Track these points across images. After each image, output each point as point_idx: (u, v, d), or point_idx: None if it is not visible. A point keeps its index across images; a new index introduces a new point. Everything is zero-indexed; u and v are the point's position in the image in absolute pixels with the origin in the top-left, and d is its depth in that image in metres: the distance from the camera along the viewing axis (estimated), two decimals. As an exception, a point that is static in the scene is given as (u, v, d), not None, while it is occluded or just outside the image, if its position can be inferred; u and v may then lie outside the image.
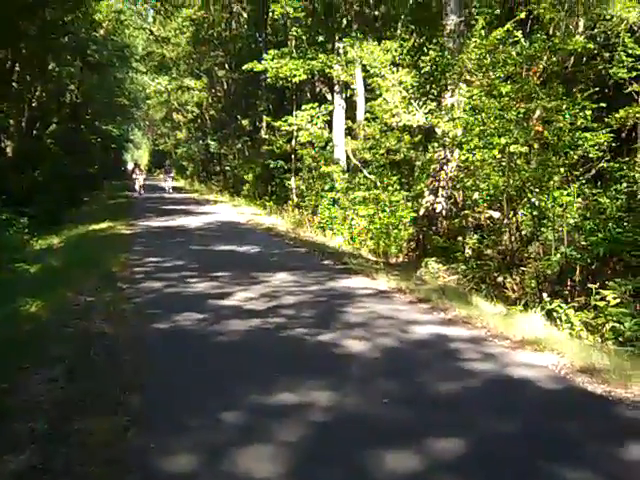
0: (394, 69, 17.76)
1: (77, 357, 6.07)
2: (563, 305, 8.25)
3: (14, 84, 23.70)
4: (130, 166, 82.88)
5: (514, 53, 11.95)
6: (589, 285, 8.79)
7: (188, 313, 7.94)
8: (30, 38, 21.73)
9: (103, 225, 19.15)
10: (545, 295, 9.21)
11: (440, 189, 16.08)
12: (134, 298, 9.01)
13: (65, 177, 25.38)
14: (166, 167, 43.64)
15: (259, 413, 4.76)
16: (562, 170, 11.25)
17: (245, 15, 33.64)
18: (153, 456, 4.10)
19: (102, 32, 29.26)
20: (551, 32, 14.96)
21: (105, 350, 6.31)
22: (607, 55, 14.38)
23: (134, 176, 38.94)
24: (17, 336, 6.78)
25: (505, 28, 12.31)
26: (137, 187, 37.50)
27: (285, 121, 24.49)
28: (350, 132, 23.96)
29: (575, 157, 11.36)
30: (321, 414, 4.74)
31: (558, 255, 10.44)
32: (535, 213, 11.43)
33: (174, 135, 55.24)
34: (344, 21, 23.73)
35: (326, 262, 12.74)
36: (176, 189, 42.16)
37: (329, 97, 25.22)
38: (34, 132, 26.32)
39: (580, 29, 15.30)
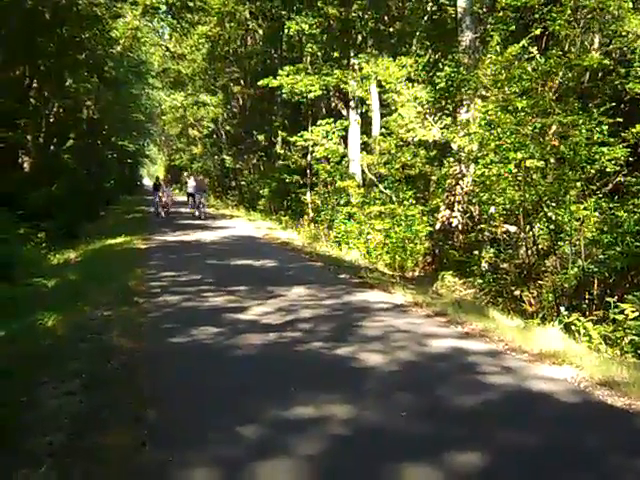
0: (409, 85, 17.81)
1: (94, 371, 6.07)
2: (581, 318, 8.21)
3: (32, 100, 23.91)
4: (147, 181, 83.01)
5: (529, 69, 11.97)
6: (607, 298, 8.76)
7: (205, 327, 7.95)
8: (48, 55, 21.94)
9: (119, 240, 19.23)
10: (563, 308, 9.18)
11: (456, 203, 16.07)
12: (151, 312, 9.04)
13: (82, 192, 25.51)
14: (193, 180, 33.61)
15: (278, 427, 4.75)
16: (579, 184, 11.23)
17: (260, 32, 33.82)
18: (172, 469, 4.10)
19: (119, 49, 29.41)
20: (567, 48, 14.97)
21: (122, 364, 6.32)
22: (623, 71, 14.33)
23: (159, 193, 31.06)
24: (35, 350, 6.80)
25: (520, 44, 12.35)
26: (160, 208, 30.67)
27: (300, 136, 24.55)
28: (365, 147, 24.00)
29: (592, 171, 11.33)
30: (340, 427, 4.73)
31: (575, 269, 10.41)
32: (552, 227, 11.40)
33: (190, 150, 55.44)
34: (359, 37, 23.82)
35: (342, 276, 12.74)
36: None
37: (344, 112, 25.28)
38: (51, 148, 26.49)
39: (596, 45, 15.31)
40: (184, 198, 39.44)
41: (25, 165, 23.44)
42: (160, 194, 31.15)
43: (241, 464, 4.13)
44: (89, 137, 31.58)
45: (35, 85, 23.56)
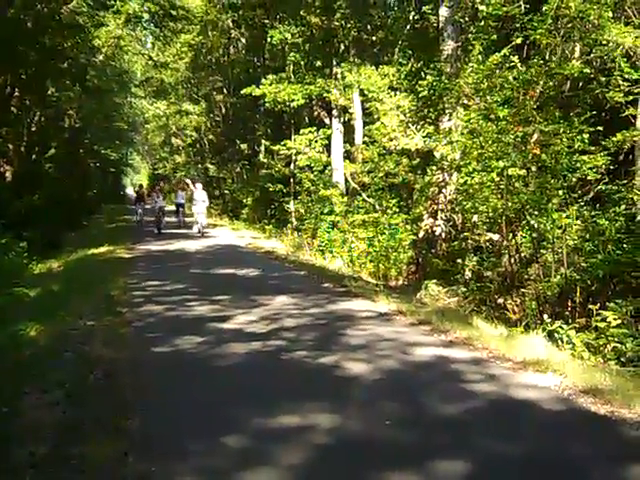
0: (392, 93, 17.88)
1: (77, 381, 6.03)
2: (564, 326, 8.24)
3: (13, 109, 23.78)
4: (130, 190, 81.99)
5: (511, 77, 12.02)
6: (590, 306, 8.80)
7: (188, 336, 7.92)
8: (30, 64, 21.81)
9: (102, 249, 19.14)
10: (546, 316, 9.20)
11: (439, 212, 16.11)
12: (134, 322, 9.00)
13: (64, 201, 25.40)
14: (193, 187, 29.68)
15: (261, 436, 4.73)
16: (560, 193, 11.29)
17: (243, 40, 33.88)
18: (155, 480, 4.07)
19: (101, 57, 29.37)
20: (547, 57, 15.04)
21: (105, 374, 6.28)
22: (603, 79, 14.44)
23: (153, 201, 28.01)
24: (17, 360, 6.75)
25: (502, 53, 12.39)
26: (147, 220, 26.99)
27: (283, 145, 24.59)
28: (349, 156, 24.06)
29: (573, 180, 11.42)
30: (324, 437, 4.72)
31: (558, 277, 10.46)
32: (534, 235, 11.45)
33: (173, 159, 55.35)
34: (342, 46, 23.90)
35: (326, 285, 12.74)
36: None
37: (327, 121, 25.33)
38: (33, 156, 26.34)
39: (576, 54, 15.40)
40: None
41: (7, 174, 23.29)
42: (148, 205, 28.19)
43: (224, 474, 4.12)
44: (71, 146, 31.42)
45: (17, 94, 23.42)
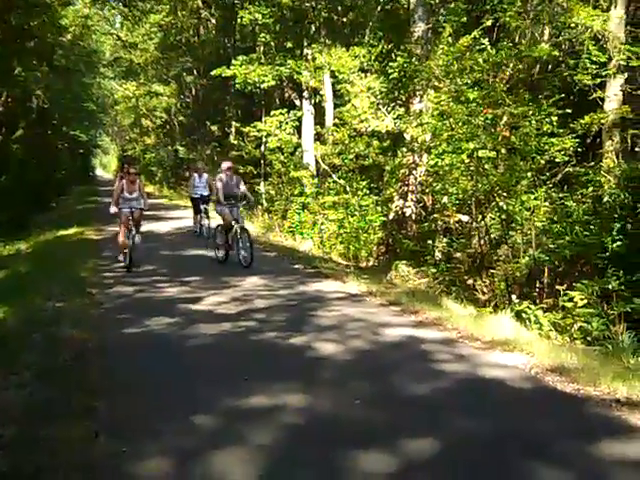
0: (362, 75, 17.87)
1: (46, 363, 5.98)
2: (532, 306, 8.36)
3: (-21, 89, 23.48)
4: (100, 171, 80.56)
5: (481, 60, 12.08)
6: (557, 287, 8.93)
7: (159, 317, 7.91)
8: (-5, 42, 21.52)
9: (71, 231, 18.95)
10: (514, 297, 9.33)
11: (409, 193, 16.19)
12: (104, 303, 8.96)
13: (32, 182, 25.13)
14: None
15: (231, 416, 4.75)
16: (529, 175, 11.41)
17: (213, 21, 33.53)
18: (125, 461, 4.07)
19: (69, 37, 28.96)
20: (517, 40, 15.15)
21: (74, 356, 6.24)
22: (572, 62, 14.59)
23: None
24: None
25: (472, 35, 12.44)
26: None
27: (254, 127, 24.45)
28: (319, 137, 24.01)
29: (542, 162, 11.53)
30: (294, 416, 4.75)
31: (527, 258, 10.58)
32: (503, 217, 11.56)
33: (142, 141, 54.81)
34: (312, 27, 23.76)
35: (296, 266, 12.75)
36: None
37: (298, 103, 25.24)
38: (0, 138, 26.00)
39: (545, 37, 15.50)
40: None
41: (-27, 155, 23.01)
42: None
43: (195, 454, 4.12)
44: (39, 127, 31.04)
45: (-18, 73, 23.09)
